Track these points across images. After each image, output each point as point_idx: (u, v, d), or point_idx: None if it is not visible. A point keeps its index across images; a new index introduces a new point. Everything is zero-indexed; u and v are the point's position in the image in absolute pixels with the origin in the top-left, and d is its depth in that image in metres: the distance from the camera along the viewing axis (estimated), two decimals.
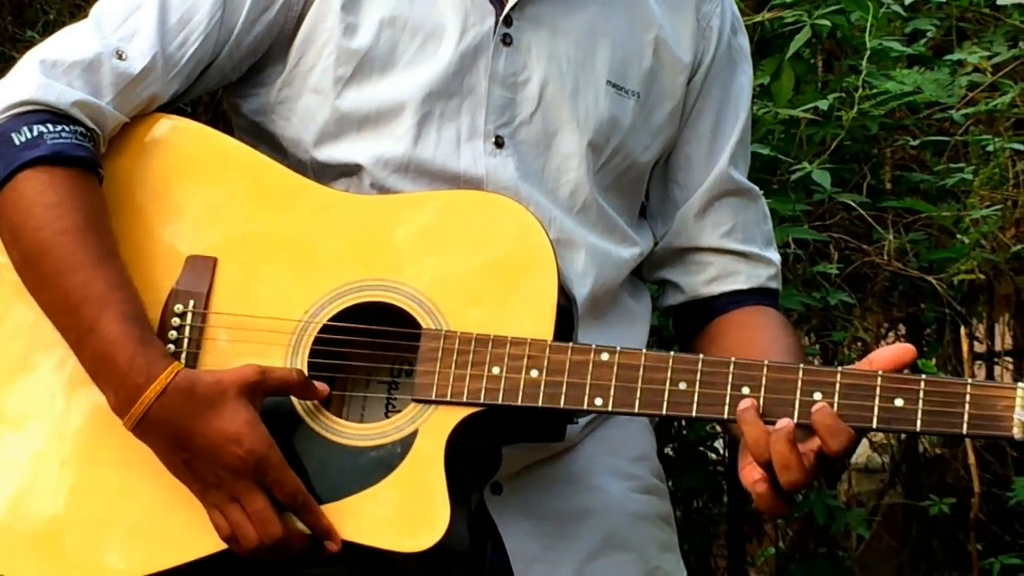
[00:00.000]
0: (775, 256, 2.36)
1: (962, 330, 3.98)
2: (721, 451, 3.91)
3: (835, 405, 1.91)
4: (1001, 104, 3.60)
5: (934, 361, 4.04)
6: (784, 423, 1.91)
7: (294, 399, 2.00)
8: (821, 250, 3.66)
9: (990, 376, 4.42)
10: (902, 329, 4.18)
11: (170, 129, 2.14)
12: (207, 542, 1.98)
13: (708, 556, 3.95)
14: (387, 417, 2.02)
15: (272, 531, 1.95)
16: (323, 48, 2.16)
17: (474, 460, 2.07)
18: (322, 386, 2.01)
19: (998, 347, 4.48)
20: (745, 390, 1.94)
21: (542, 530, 2.17)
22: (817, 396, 1.92)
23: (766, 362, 1.95)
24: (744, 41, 2.38)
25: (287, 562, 1.99)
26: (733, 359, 1.95)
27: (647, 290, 2.35)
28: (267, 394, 1.98)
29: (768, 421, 1.92)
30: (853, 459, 4.25)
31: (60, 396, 2.04)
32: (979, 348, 4.32)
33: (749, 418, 1.92)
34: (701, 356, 1.96)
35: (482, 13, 2.17)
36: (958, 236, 3.61)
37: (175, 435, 1.96)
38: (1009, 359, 4.50)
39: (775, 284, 2.34)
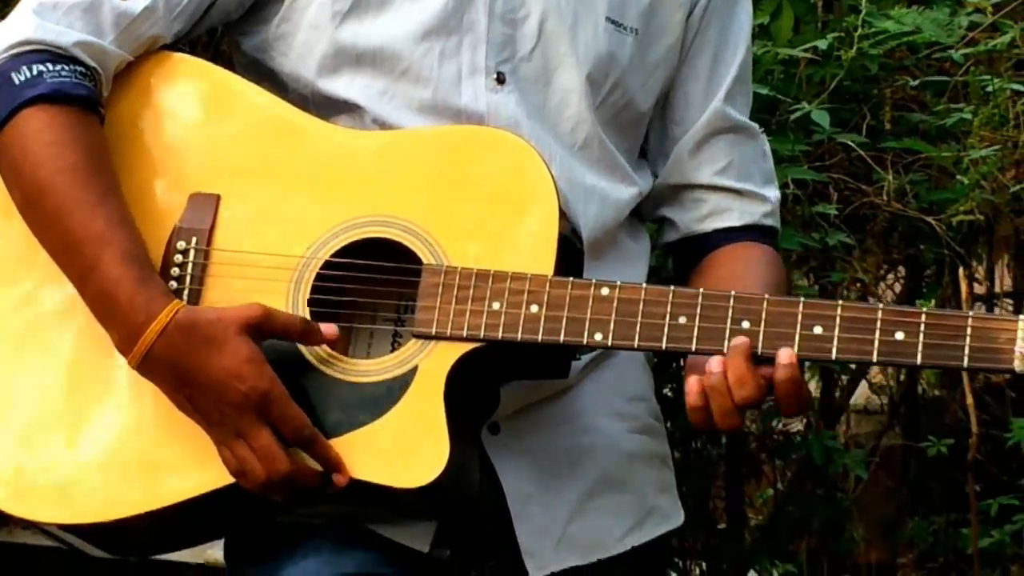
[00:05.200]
0: (773, 194, 2.34)
1: (961, 271, 3.97)
2: None
3: (835, 338, 1.91)
4: (1001, 44, 3.57)
5: (933, 303, 4.03)
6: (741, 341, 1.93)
7: None
8: (820, 191, 3.64)
9: None
10: (901, 271, 4.18)
11: (173, 66, 2.14)
12: (216, 476, 1.98)
13: (706, 497, 3.95)
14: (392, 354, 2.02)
15: (279, 467, 1.95)
16: None
17: (472, 400, 2.07)
18: (329, 329, 2.00)
19: (997, 288, 4.47)
20: (745, 324, 1.94)
21: (539, 470, 2.17)
22: (818, 329, 1.92)
23: (766, 296, 1.95)
24: None
25: (296, 499, 1.99)
26: (733, 293, 1.95)
27: (646, 231, 2.35)
28: (269, 335, 1.98)
29: (766, 357, 1.93)
30: (852, 400, 4.25)
31: (70, 334, 2.05)
32: (979, 290, 4.31)
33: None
34: (701, 290, 1.96)
35: None
36: (958, 177, 3.59)
37: (178, 373, 1.97)
38: (1009, 300, 4.49)
39: (771, 221, 2.33)
